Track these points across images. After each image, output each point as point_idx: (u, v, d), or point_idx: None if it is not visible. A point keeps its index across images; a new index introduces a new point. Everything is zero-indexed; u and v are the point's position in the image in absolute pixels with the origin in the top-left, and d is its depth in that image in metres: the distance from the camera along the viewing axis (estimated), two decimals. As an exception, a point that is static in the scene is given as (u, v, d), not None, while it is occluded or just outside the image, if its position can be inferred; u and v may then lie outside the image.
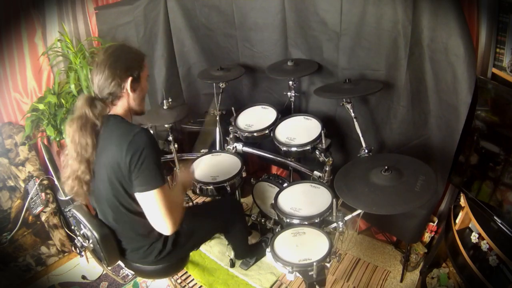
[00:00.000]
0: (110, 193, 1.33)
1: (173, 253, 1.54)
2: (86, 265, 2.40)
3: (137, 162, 1.22)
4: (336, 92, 1.89)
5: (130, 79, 1.30)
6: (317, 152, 1.95)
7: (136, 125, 1.31)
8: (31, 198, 2.27)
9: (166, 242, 1.50)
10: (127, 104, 1.35)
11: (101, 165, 1.30)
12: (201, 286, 2.19)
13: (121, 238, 1.48)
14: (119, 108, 1.35)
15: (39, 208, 2.21)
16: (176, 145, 2.32)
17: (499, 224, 1.49)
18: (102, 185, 1.33)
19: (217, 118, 2.37)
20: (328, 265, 1.52)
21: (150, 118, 2.34)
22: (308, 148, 1.93)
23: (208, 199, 2.32)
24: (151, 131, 2.26)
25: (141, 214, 1.34)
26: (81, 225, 1.49)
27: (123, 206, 1.35)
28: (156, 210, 1.27)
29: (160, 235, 1.45)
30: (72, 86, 2.48)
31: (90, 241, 1.47)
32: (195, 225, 1.62)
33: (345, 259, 2.28)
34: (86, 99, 1.29)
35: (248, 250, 2.17)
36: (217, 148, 2.41)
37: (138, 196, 1.28)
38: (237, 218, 1.89)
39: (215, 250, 2.39)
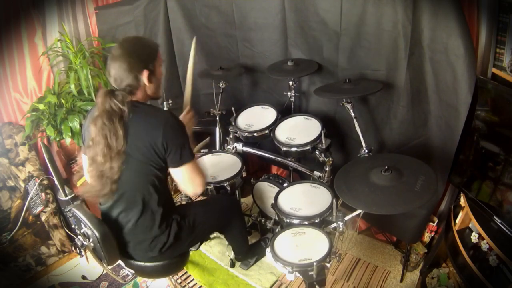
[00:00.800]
0: (136, 176, 1.41)
1: (175, 247, 1.55)
2: (86, 265, 2.40)
3: (173, 141, 1.34)
4: (336, 92, 1.89)
5: (146, 72, 1.36)
6: (317, 152, 1.95)
7: (162, 110, 1.43)
8: (31, 198, 2.27)
9: (169, 235, 1.52)
10: (145, 93, 1.42)
11: (134, 150, 1.35)
12: (201, 286, 2.19)
13: (127, 231, 1.50)
14: (138, 96, 1.41)
15: (39, 208, 2.21)
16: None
17: (499, 224, 1.49)
18: (128, 170, 1.38)
19: (217, 118, 2.37)
20: (328, 265, 1.52)
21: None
22: (308, 148, 1.93)
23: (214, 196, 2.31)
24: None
25: (155, 204, 1.46)
26: (82, 224, 1.49)
27: (143, 190, 1.43)
28: (189, 180, 1.44)
29: (166, 227, 1.51)
30: (72, 86, 2.48)
31: (91, 240, 1.47)
32: (196, 219, 1.63)
33: (345, 259, 2.28)
34: (105, 93, 1.34)
35: (248, 249, 2.17)
36: (217, 148, 2.41)
37: (173, 170, 1.42)
38: (235, 215, 1.89)
39: (215, 250, 2.39)
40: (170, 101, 2.33)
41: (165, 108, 2.31)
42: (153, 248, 1.51)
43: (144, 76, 1.36)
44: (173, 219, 1.54)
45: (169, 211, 1.55)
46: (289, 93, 2.25)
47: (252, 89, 2.62)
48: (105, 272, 2.29)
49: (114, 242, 1.47)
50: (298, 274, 1.52)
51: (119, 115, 1.32)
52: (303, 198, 1.88)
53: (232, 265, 2.25)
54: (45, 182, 2.38)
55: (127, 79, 1.34)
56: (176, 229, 1.53)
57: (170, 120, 1.36)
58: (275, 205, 1.85)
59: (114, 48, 1.38)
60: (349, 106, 1.80)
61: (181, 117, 1.68)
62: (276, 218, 1.93)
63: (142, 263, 1.56)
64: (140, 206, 1.45)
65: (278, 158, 2.19)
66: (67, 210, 2.30)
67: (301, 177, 2.48)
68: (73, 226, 2.27)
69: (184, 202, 2.51)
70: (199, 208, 1.76)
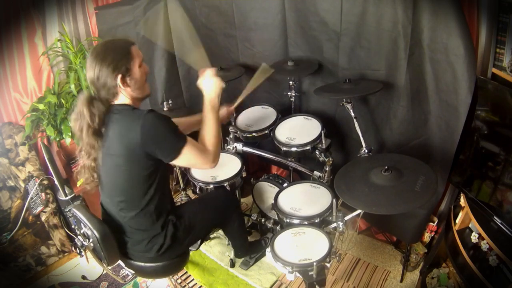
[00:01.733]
0: (125, 179, 1.40)
1: (173, 248, 1.55)
2: (86, 265, 2.40)
3: (154, 138, 1.31)
4: (336, 92, 1.89)
5: (119, 76, 1.32)
6: (317, 152, 1.95)
7: (143, 109, 1.36)
8: (31, 198, 2.27)
9: (166, 237, 1.51)
10: (128, 95, 1.39)
11: (114, 155, 1.36)
12: (201, 286, 2.19)
13: (124, 231, 1.50)
14: (122, 99, 1.39)
15: (39, 208, 2.21)
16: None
17: (499, 224, 1.49)
18: (115, 172, 1.40)
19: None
20: (328, 265, 1.52)
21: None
22: (308, 148, 1.93)
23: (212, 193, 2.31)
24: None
25: (150, 206, 1.45)
26: (82, 224, 1.49)
27: (136, 193, 1.42)
28: (193, 164, 1.50)
29: (162, 228, 1.51)
30: (72, 86, 2.48)
31: (91, 240, 1.47)
32: (193, 218, 1.63)
33: (345, 259, 2.28)
34: (85, 99, 1.33)
35: (248, 246, 2.17)
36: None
37: (173, 162, 1.40)
38: (232, 209, 1.88)
39: (215, 250, 2.39)
40: (170, 101, 2.33)
41: (165, 108, 2.31)
42: (149, 249, 1.51)
43: (118, 81, 1.32)
44: (169, 220, 1.54)
45: (165, 212, 1.53)
46: (289, 93, 2.25)
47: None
48: (105, 272, 2.30)
49: (114, 242, 1.47)
50: (298, 274, 1.52)
51: (89, 124, 1.32)
52: (303, 198, 1.88)
53: (232, 265, 2.25)
54: (45, 182, 2.38)
55: (104, 86, 1.32)
56: (172, 231, 1.53)
57: (147, 121, 1.30)
58: (275, 205, 1.85)
59: (88, 56, 1.37)
60: (349, 106, 1.80)
61: (208, 78, 1.53)
62: (276, 218, 1.93)
63: (142, 264, 1.56)
64: (134, 207, 1.45)
65: (278, 158, 2.18)
66: (67, 210, 2.30)
67: (301, 177, 2.48)
68: (73, 226, 2.27)
69: (184, 203, 2.53)
70: (196, 207, 1.76)
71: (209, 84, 1.51)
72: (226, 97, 2.42)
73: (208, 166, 1.46)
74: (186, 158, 1.38)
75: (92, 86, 1.35)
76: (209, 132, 1.48)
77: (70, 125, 1.43)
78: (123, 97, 1.39)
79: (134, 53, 1.36)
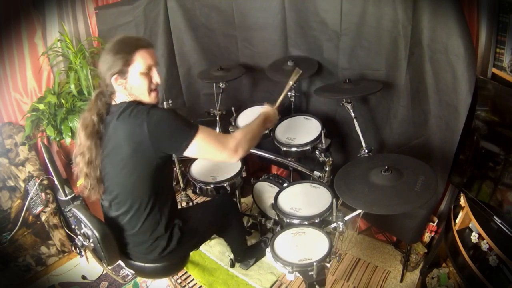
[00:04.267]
0: (129, 178, 1.37)
1: (176, 251, 1.55)
2: (86, 265, 2.40)
3: (164, 131, 1.27)
4: (336, 92, 1.89)
5: (114, 76, 1.30)
6: (317, 152, 1.95)
7: (143, 106, 1.33)
8: (31, 198, 2.27)
9: (171, 240, 1.51)
10: (126, 96, 1.36)
11: (118, 155, 1.33)
12: (201, 286, 2.19)
13: (125, 232, 1.49)
14: (122, 97, 1.37)
15: (39, 208, 2.21)
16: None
17: (499, 224, 1.49)
18: (119, 174, 1.37)
19: (217, 118, 2.37)
20: (328, 265, 1.52)
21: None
22: (308, 148, 1.93)
23: (208, 199, 2.32)
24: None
25: (154, 207, 1.42)
26: (82, 224, 1.49)
27: (139, 193, 1.40)
28: (209, 153, 1.35)
29: (166, 230, 1.49)
30: (72, 86, 2.48)
31: (91, 240, 1.47)
32: (199, 223, 1.63)
33: (345, 259, 2.28)
34: (97, 93, 1.38)
35: (247, 251, 2.18)
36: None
37: (186, 154, 1.33)
38: (233, 216, 1.88)
39: (215, 250, 2.39)
40: (170, 101, 2.33)
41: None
42: (151, 251, 1.50)
43: (112, 80, 1.30)
44: (175, 224, 1.53)
45: (170, 214, 1.52)
46: (289, 93, 2.25)
47: (252, 89, 2.62)
48: (105, 272, 2.29)
49: (114, 243, 1.47)
50: (298, 274, 1.52)
51: (97, 119, 1.33)
52: (303, 198, 1.88)
53: (232, 265, 2.25)
54: (45, 182, 2.38)
55: (103, 84, 1.34)
56: (179, 235, 1.52)
57: (152, 117, 1.26)
58: (275, 205, 1.85)
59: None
60: (349, 106, 1.80)
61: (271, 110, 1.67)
62: (276, 218, 1.93)
63: (142, 264, 1.56)
64: (138, 209, 1.43)
65: (278, 158, 2.18)
66: (67, 210, 2.30)
67: (301, 177, 2.48)
68: (73, 226, 2.27)
69: (184, 204, 2.53)
70: (199, 212, 1.75)
71: (271, 111, 1.64)
72: (226, 97, 2.43)
73: (226, 155, 1.35)
74: (201, 146, 1.30)
75: (100, 78, 1.38)
76: (249, 129, 1.47)
77: (80, 118, 1.41)
78: (122, 96, 1.36)
79: (138, 58, 1.30)
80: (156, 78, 1.38)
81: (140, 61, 1.31)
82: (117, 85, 1.32)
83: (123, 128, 1.30)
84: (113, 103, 1.37)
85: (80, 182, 2.37)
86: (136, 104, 1.34)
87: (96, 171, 1.36)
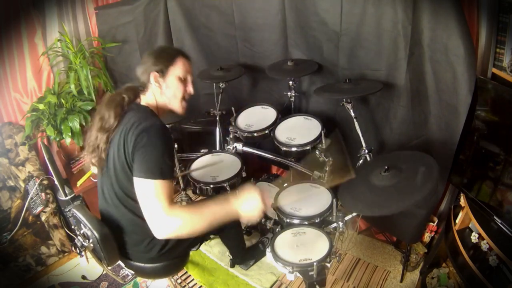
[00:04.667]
0: (114, 177, 1.38)
1: (174, 250, 1.55)
2: (86, 265, 2.40)
3: (140, 145, 1.25)
4: (336, 92, 1.89)
5: (154, 72, 1.39)
6: (317, 152, 1.95)
7: (157, 118, 1.36)
8: (31, 198, 2.27)
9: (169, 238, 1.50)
10: (154, 97, 1.43)
11: (115, 146, 1.35)
12: (201, 286, 2.19)
13: (124, 232, 1.49)
14: (147, 99, 1.44)
15: (39, 208, 2.21)
16: (176, 145, 2.32)
17: (499, 224, 1.49)
18: (112, 166, 1.38)
19: (217, 118, 2.37)
20: (328, 265, 1.52)
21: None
22: (308, 148, 1.93)
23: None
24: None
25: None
26: (81, 224, 1.49)
27: (124, 193, 1.39)
28: (147, 201, 1.23)
29: None
30: (72, 86, 2.48)
31: (90, 240, 1.47)
32: None
33: (345, 259, 2.28)
34: (128, 86, 1.45)
35: (245, 252, 2.18)
36: (217, 148, 2.41)
37: (135, 180, 1.26)
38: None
39: (215, 250, 2.39)
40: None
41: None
42: (150, 250, 1.50)
43: (152, 76, 1.39)
44: None
45: None
46: (289, 93, 2.25)
47: (252, 89, 2.62)
48: (105, 272, 2.29)
49: (114, 243, 1.47)
50: (298, 274, 1.52)
51: (120, 104, 1.37)
52: (303, 198, 1.88)
53: (232, 265, 2.25)
54: (45, 182, 2.38)
55: (141, 77, 1.42)
56: None
57: (148, 130, 1.26)
58: (275, 205, 1.85)
59: None
60: (349, 106, 1.80)
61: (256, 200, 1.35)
62: (276, 218, 1.93)
63: (142, 264, 1.56)
64: (135, 207, 1.39)
65: (278, 158, 2.18)
66: (67, 210, 2.31)
67: (301, 177, 2.48)
68: (73, 227, 2.28)
69: (184, 203, 2.53)
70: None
71: (253, 204, 1.31)
72: (226, 97, 2.43)
73: (153, 222, 1.22)
74: (147, 190, 1.22)
75: (137, 74, 1.44)
76: (205, 214, 1.26)
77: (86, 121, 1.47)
78: (150, 96, 1.43)
79: (179, 62, 1.42)
80: (191, 88, 1.48)
81: (181, 66, 1.43)
82: (154, 82, 1.40)
83: (126, 127, 1.33)
84: (138, 100, 1.43)
85: (81, 181, 2.38)
86: (149, 111, 1.40)
87: (105, 143, 1.37)
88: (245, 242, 2.16)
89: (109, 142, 1.37)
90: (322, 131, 1.93)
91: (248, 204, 1.31)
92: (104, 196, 1.48)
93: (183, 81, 1.45)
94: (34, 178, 2.39)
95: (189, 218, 1.23)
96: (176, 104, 1.47)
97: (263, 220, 2.19)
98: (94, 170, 1.55)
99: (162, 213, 1.20)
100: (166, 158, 1.27)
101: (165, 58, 1.41)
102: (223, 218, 1.29)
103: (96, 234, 1.40)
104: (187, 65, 1.46)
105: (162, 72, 1.40)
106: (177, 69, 1.42)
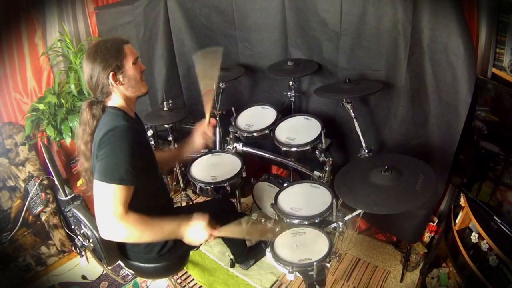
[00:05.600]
0: None
1: (174, 250, 1.54)
2: (86, 265, 2.40)
3: (101, 148, 1.24)
4: (336, 92, 1.89)
5: (111, 74, 1.31)
6: (317, 152, 1.95)
7: (122, 121, 1.31)
8: (31, 198, 2.27)
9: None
10: (121, 94, 1.37)
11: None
12: (201, 286, 2.19)
13: None
14: (115, 99, 1.38)
15: (39, 208, 2.21)
16: (176, 145, 2.32)
17: (499, 224, 1.49)
18: None
19: (217, 118, 2.37)
20: (328, 265, 1.52)
21: (150, 118, 2.35)
22: (308, 148, 1.93)
23: (208, 199, 2.32)
24: (150, 131, 2.19)
25: (143, 210, 1.35)
26: (81, 224, 1.49)
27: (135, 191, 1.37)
28: (100, 205, 1.22)
29: None
30: (72, 86, 2.48)
31: (90, 240, 1.47)
32: None
33: (345, 259, 2.28)
34: (87, 104, 1.36)
35: (247, 252, 2.18)
36: (217, 148, 2.41)
37: (94, 182, 1.24)
38: (231, 217, 1.88)
39: (215, 250, 2.39)
40: (170, 101, 2.33)
41: (165, 108, 2.31)
42: (150, 251, 1.50)
43: (110, 78, 1.31)
44: None
45: (166, 213, 1.49)
46: (289, 93, 2.25)
47: (252, 89, 2.62)
48: (105, 272, 2.29)
49: (114, 243, 1.46)
50: (298, 274, 1.52)
51: (90, 129, 1.33)
52: (303, 198, 1.88)
53: (232, 265, 2.25)
54: (45, 182, 2.38)
55: (97, 86, 1.32)
56: None
57: (112, 133, 1.24)
58: (275, 205, 1.85)
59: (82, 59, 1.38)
60: (349, 106, 1.80)
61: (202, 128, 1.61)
62: (276, 218, 1.93)
63: (141, 264, 1.56)
64: (132, 208, 1.38)
65: (278, 158, 2.18)
66: (67, 210, 2.30)
67: (301, 177, 2.48)
68: (73, 226, 2.27)
69: (184, 203, 2.53)
70: (196, 211, 1.75)
71: (197, 232, 1.37)
72: (226, 97, 2.43)
73: (102, 226, 1.22)
74: (102, 193, 1.22)
75: (88, 87, 1.36)
76: (154, 230, 1.30)
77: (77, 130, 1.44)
78: (116, 97, 1.37)
79: (127, 51, 1.35)
80: (141, 65, 1.42)
81: (129, 53, 1.35)
82: (114, 82, 1.33)
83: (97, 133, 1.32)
84: (108, 103, 1.38)
85: (80, 182, 2.37)
86: (115, 115, 1.35)
87: (89, 173, 1.38)
88: (246, 241, 2.15)
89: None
90: (322, 131, 1.93)
91: (193, 232, 1.37)
92: None
93: (136, 64, 1.38)
94: (34, 178, 2.39)
95: (138, 230, 1.25)
96: (140, 87, 1.41)
97: (263, 220, 2.19)
98: None
99: (113, 219, 1.21)
100: (127, 162, 1.22)
101: (113, 54, 1.31)
102: (168, 237, 1.39)
103: (96, 234, 1.40)
104: (131, 48, 1.38)
105: (118, 68, 1.32)
106: (129, 57, 1.34)
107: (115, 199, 1.21)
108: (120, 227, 1.22)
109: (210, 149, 2.27)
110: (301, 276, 1.54)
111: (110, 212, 1.21)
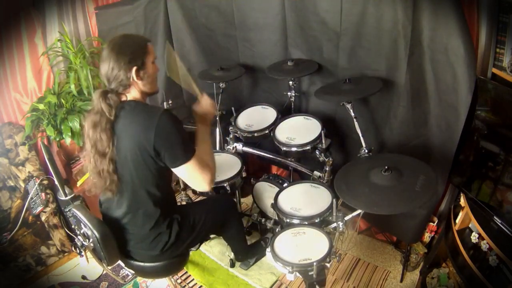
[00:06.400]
0: (135, 176, 1.40)
1: (175, 247, 1.56)
2: (86, 265, 2.40)
3: (166, 142, 1.33)
4: (336, 93, 1.88)
5: (134, 68, 1.34)
6: (317, 152, 1.95)
7: (158, 107, 1.39)
8: (31, 198, 2.26)
9: (171, 235, 1.52)
10: (139, 89, 1.41)
11: (124, 150, 1.36)
12: (201, 286, 2.19)
13: (126, 230, 1.51)
14: (133, 94, 1.41)
15: (39, 208, 2.21)
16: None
17: (499, 224, 1.49)
18: (126, 169, 1.39)
19: (217, 118, 2.37)
20: (328, 265, 1.52)
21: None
22: (308, 148, 1.93)
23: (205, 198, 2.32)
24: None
25: (157, 203, 1.46)
26: (82, 224, 1.49)
27: (145, 190, 1.43)
28: (192, 179, 1.41)
29: (167, 227, 1.52)
30: (72, 86, 2.48)
31: (91, 240, 1.47)
32: (196, 220, 1.64)
33: (345, 259, 2.28)
34: (100, 93, 1.36)
35: (247, 249, 2.17)
36: (217, 148, 2.41)
37: (174, 170, 1.39)
38: (232, 215, 1.89)
39: (215, 250, 2.39)
40: (170, 101, 2.33)
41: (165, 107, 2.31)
42: (154, 247, 1.51)
43: (133, 73, 1.35)
44: (174, 218, 1.55)
45: (170, 210, 1.55)
46: (289, 93, 2.25)
47: (252, 89, 2.62)
48: (105, 272, 2.29)
49: (114, 243, 1.47)
50: (298, 274, 1.52)
51: (107, 118, 1.34)
52: (303, 198, 1.88)
53: (232, 265, 2.25)
54: (45, 182, 2.38)
55: (117, 78, 1.34)
56: (177, 229, 1.54)
57: (162, 120, 1.31)
58: (275, 205, 1.85)
59: (103, 48, 1.39)
60: (349, 106, 1.80)
61: (199, 104, 1.62)
62: (276, 218, 1.93)
63: (142, 263, 1.56)
64: (140, 205, 1.46)
65: (278, 158, 2.18)
66: (67, 210, 2.30)
67: (301, 177, 2.48)
68: (73, 226, 2.27)
69: (184, 203, 2.53)
70: (198, 209, 1.76)
71: (208, 110, 1.59)
72: (226, 97, 2.43)
73: (205, 185, 1.43)
74: (189, 170, 1.38)
75: (105, 78, 1.37)
76: (208, 153, 1.50)
77: (83, 123, 1.43)
78: (134, 91, 1.40)
79: (150, 49, 1.41)
80: (158, 66, 1.50)
81: (151, 51, 1.43)
82: (136, 77, 1.36)
83: (133, 126, 1.34)
84: (124, 98, 1.39)
85: (81, 181, 2.38)
86: (146, 104, 1.42)
87: (109, 165, 1.37)
88: (246, 239, 2.16)
89: (113, 161, 1.37)
90: (322, 131, 1.93)
91: (206, 109, 1.59)
92: (117, 198, 1.48)
93: (153, 63, 1.45)
94: (34, 178, 2.39)
95: (213, 166, 1.49)
96: (155, 85, 1.49)
97: (263, 220, 2.19)
98: None
99: (208, 181, 1.42)
100: (185, 136, 1.36)
101: (140, 50, 1.37)
102: (209, 138, 1.58)
103: (96, 234, 1.41)
104: (152, 47, 1.45)
105: (142, 64, 1.37)
106: (150, 55, 1.42)
107: (198, 168, 1.38)
108: (211, 179, 1.43)
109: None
110: (301, 276, 1.54)
111: (203, 181, 1.41)
